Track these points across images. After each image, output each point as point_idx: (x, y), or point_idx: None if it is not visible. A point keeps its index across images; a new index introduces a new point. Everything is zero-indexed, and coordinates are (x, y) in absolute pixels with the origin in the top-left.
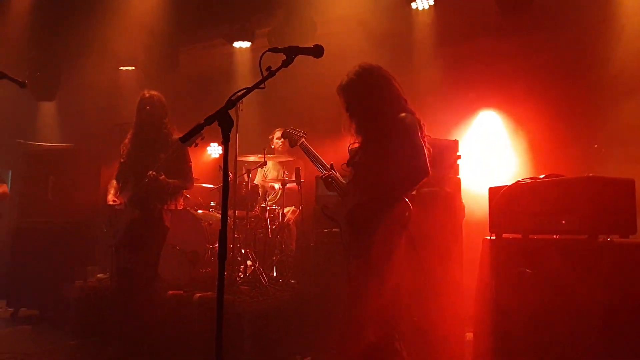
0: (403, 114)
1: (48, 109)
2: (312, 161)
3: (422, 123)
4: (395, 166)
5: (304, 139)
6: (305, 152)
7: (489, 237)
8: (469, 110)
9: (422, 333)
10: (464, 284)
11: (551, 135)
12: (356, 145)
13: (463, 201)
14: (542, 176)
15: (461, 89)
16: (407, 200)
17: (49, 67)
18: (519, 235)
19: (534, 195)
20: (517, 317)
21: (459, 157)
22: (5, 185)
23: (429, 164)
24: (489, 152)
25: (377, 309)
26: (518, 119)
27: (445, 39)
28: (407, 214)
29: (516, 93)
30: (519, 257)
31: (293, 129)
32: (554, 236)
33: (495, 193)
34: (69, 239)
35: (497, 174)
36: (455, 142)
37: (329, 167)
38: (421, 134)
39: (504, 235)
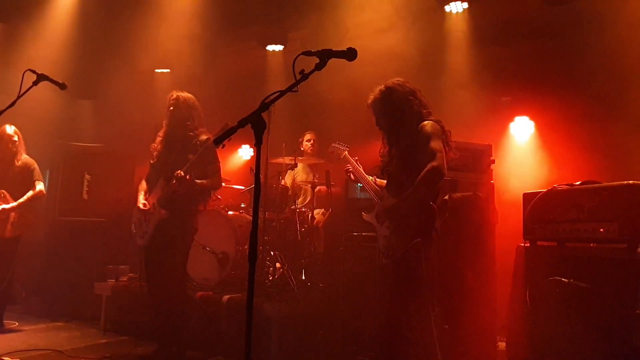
0: (424, 122)
1: (85, 110)
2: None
3: (446, 129)
4: (418, 172)
5: (346, 152)
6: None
7: (523, 244)
8: (504, 114)
9: (454, 341)
10: (497, 291)
11: (587, 141)
12: (387, 154)
13: (496, 206)
14: (578, 183)
15: (496, 93)
16: (432, 204)
17: (88, 67)
18: (554, 243)
19: (571, 202)
20: (551, 327)
21: (493, 161)
22: (42, 183)
23: (457, 167)
24: (523, 157)
25: (416, 309)
26: (552, 124)
27: (479, 42)
28: (434, 217)
29: (551, 97)
30: (554, 266)
31: (338, 144)
32: (591, 244)
33: (529, 199)
34: (102, 238)
35: (531, 180)
36: (489, 146)
37: (372, 180)
38: (445, 140)
39: (538, 243)
